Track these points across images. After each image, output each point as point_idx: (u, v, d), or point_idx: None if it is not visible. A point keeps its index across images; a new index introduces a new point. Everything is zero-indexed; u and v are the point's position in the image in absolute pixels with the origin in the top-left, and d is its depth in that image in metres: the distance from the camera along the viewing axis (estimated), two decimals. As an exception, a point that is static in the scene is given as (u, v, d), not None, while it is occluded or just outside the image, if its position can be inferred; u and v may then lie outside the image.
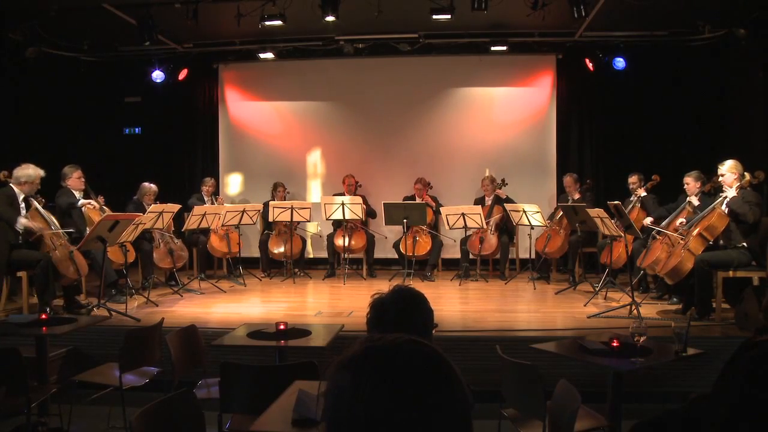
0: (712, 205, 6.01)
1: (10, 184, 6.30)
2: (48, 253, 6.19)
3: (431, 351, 1.03)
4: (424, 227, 8.50)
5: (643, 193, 7.47)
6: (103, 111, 9.91)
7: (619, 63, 8.78)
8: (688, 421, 2.92)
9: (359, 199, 8.44)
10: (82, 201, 6.99)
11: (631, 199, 7.69)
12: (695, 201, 6.47)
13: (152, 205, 7.60)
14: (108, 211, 7.05)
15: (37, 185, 6.38)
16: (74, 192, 7.04)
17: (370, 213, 9.01)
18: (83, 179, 7.14)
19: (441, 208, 8.38)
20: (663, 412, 3.21)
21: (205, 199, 8.81)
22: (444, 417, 0.99)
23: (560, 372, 3.88)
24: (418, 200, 8.84)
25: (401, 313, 2.05)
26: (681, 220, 6.43)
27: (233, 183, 10.10)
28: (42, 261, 6.04)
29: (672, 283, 6.24)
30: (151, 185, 8.20)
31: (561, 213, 8.16)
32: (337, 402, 1.00)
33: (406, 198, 9.02)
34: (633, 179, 7.82)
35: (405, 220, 8.07)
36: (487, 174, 9.19)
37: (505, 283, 8.21)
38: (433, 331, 2.16)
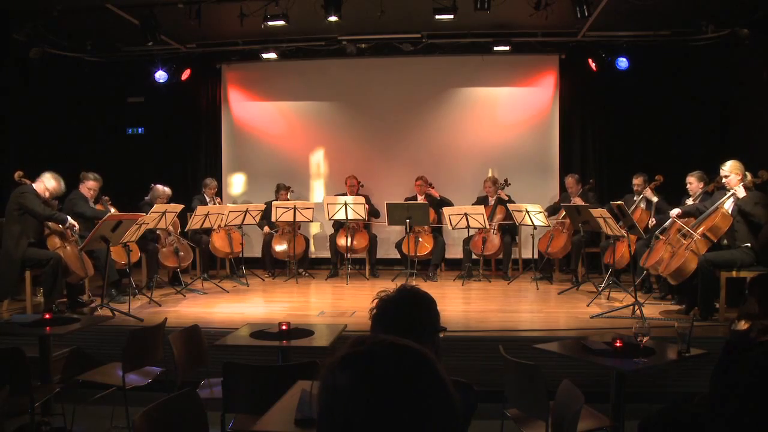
0: (715, 205, 6.00)
1: (34, 185, 6.39)
2: (58, 251, 6.25)
3: (414, 357, 1.03)
4: (426, 227, 8.51)
5: (655, 198, 7.44)
6: (106, 111, 9.93)
7: (622, 63, 8.75)
8: (696, 415, 2.93)
9: (362, 199, 8.44)
10: (111, 213, 7.05)
11: (635, 198, 7.68)
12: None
13: (155, 205, 7.62)
14: (114, 211, 7.07)
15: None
16: (87, 196, 7.08)
17: (373, 213, 9.02)
18: (97, 192, 7.20)
19: (444, 209, 8.37)
20: (672, 405, 3.22)
21: (207, 200, 8.81)
22: (425, 422, 0.99)
23: (563, 372, 3.87)
24: (419, 199, 8.85)
25: (403, 312, 2.05)
26: (677, 210, 6.44)
27: (236, 183, 10.10)
28: (52, 259, 6.08)
29: (675, 284, 6.23)
30: (165, 188, 8.17)
31: (564, 213, 8.15)
32: (322, 405, 1.02)
33: (408, 199, 9.01)
34: (638, 180, 7.79)
35: (408, 221, 8.08)
36: (489, 174, 9.20)
37: (508, 283, 8.21)
38: (441, 335, 2.15)
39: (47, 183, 6.38)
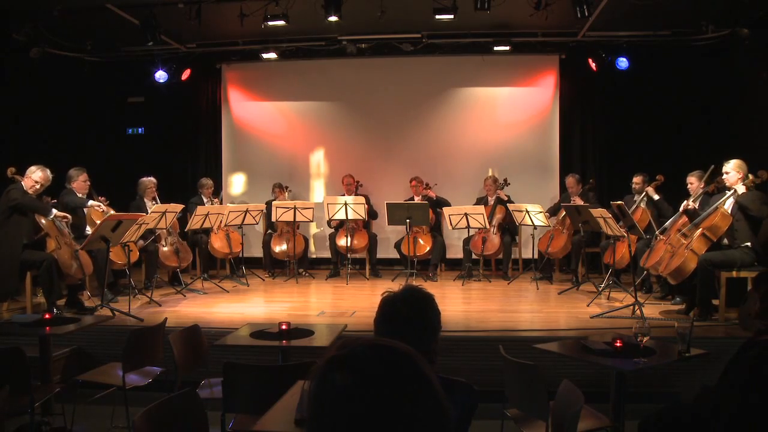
0: (715, 204, 6.00)
1: (22, 182, 6.35)
2: (52, 253, 6.23)
3: (398, 356, 1.03)
4: (425, 227, 8.51)
5: (657, 196, 7.43)
6: (107, 111, 9.93)
7: (622, 63, 8.75)
8: (695, 415, 2.93)
9: (362, 199, 8.45)
10: (91, 202, 7.05)
11: (635, 198, 7.68)
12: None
13: (155, 205, 7.63)
14: (111, 211, 7.06)
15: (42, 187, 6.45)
16: (78, 194, 7.07)
17: (371, 215, 9.00)
18: (88, 182, 7.18)
19: (444, 209, 8.37)
20: (671, 405, 3.22)
21: (205, 200, 8.78)
22: (413, 421, 0.98)
23: (563, 372, 3.88)
24: (416, 199, 8.85)
25: (411, 312, 2.05)
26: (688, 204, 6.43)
27: (236, 183, 10.11)
28: (46, 261, 6.07)
29: (675, 283, 6.23)
30: (150, 178, 8.17)
31: (564, 213, 8.15)
32: (311, 408, 1.02)
33: (407, 200, 8.99)
34: (637, 179, 7.81)
35: (408, 221, 8.09)
36: (490, 174, 9.20)
37: (508, 283, 8.20)
38: None
39: (33, 176, 6.32)
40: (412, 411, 0.98)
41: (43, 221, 6.38)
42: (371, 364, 1.00)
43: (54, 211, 6.42)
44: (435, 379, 1.02)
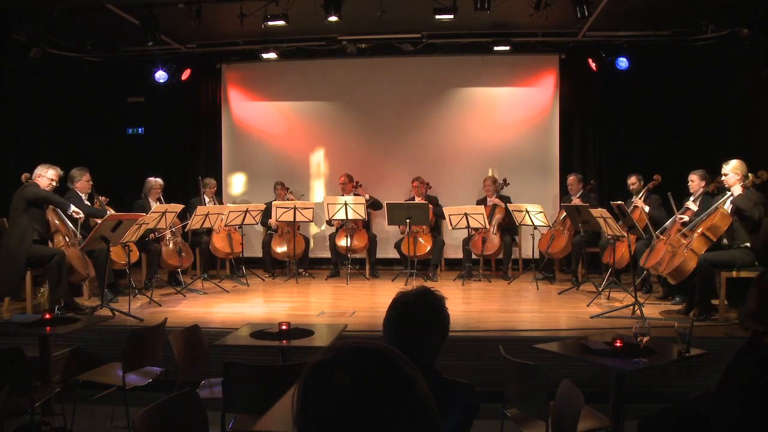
0: (715, 205, 6.00)
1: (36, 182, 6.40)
2: (62, 248, 6.25)
3: (381, 359, 1.03)
4: (424, 227, 8.51)
5: (647, 208, 7.39)
6: (106, 111, 9.93)
7: (622, 63, 8.76)
8: (695, 416, 2.93)
9: (362, 199, 8.44)
10: (111, 213, 7.03)
11: (633, 199, 7.67)
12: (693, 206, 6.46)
13: (155, 205, 7.63)
14: (111, 211, 7.07)
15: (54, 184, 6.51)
16: (81, 195, 7.07)
17: (375, 204, 8.96)
18: (91, 182, 7.19)
19: (444, 209, 8.37)
20: (671, 406, 3.22)
21: (207, 200, 8.78)
22: (398, 423, 0.98)
23: (563, 372, 3.88)
24: (417, 199, 8.85)
25: (427, 314, 2.05)
26: (682, 217, 6.43)
27: (236, 183, 10.11)
28: (56, 256, 6.11)
29: (675, 283, 6.23)
30: (157, 179, 8.20)
31: (564, 213, 8.15)
32: (300, 410, 1.04)
33: (408, 201, 8.99)
34: (632, 180, 7.82)
35: (408, 220, 8.09)
36: (489, 174, 9.20)
37: (508, 283, 8.20)
38: None
39: (47, 174, 6.37)
40: (396, 413, 0.98)
41: (57, 221, 6.41)
42: (355, 368, 1.00)
43: (72, 207, 6.45)
44: (420, 380, 1.02)
